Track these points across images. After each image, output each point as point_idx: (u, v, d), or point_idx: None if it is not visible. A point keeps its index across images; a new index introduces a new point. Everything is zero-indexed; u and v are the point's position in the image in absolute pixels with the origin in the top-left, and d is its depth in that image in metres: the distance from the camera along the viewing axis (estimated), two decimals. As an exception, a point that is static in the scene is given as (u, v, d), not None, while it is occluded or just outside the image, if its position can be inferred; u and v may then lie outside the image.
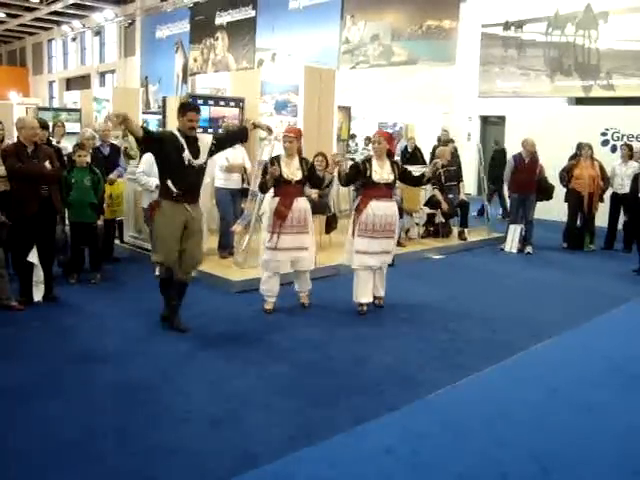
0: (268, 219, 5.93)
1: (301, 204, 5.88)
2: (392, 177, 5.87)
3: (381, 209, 5.81)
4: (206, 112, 8.72)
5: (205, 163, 5.26)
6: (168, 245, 5.12)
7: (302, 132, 6.14)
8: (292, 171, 5.80)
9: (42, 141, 6.80)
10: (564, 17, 15.26)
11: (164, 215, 5.10)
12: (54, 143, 8.18)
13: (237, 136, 5.83)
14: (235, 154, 7.60)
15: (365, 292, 5.98)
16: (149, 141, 5.02)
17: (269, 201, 6.10)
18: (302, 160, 5.92)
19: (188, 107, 5.21)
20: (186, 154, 5.03)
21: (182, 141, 5.04)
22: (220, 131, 8.12)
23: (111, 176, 7.43)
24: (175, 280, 5.28)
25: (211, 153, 5.32)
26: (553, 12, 15.42)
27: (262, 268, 6.02)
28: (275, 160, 5.83)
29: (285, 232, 5.78)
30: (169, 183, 5.05)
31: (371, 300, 6.06)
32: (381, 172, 5.82)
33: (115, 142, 8.26)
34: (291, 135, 5.84)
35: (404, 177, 6.13)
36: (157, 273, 7.14)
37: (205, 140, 5.32)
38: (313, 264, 6.20)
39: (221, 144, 5.51)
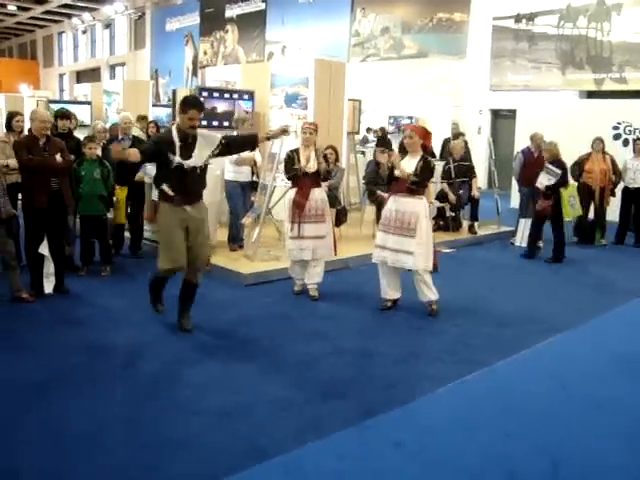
0: (288, 209, 6.11)
1: (317, 194, 6.08)
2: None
3: (399, 204, 5.62)
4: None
5: (204, 163, 4.95)
6: (174, 250, 4.93)
7: (318, 126, 6.29)
8: (309, 163, 5.99)
9: (64, 131, 6.91)
10: (576, 9, 15.14)
11: (164, 219, 4.98)
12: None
13: (247, 144, 5.56)
14: None
15: (387, 288, 5.86)
16: (147, 160, 5.22)
17: (287, 192, 6.31)
18: (317, 152, 6.10)
19: (190, 104, 4.81)
20: (176, 157, 4.77)
21: (176, 142, 4.77)
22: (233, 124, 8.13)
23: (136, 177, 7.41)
24: (184, 281, 5.15)
25: (217, 153, 5.03)
26: (565, 4, 15.30)
27: (288, 257, 6.29)
28: (294, 152, 6.06)
29: (305, 221, 6.00)
30: (164, 187, 4.88)
31: (396, 297, 5.92)
32: (407, 167, 5.61)
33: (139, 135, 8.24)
34: (311, 127, 6.09)
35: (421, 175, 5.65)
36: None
37: (210, 138, 5.02)
38: (333, 253, 6.33)
39: (229, 148, 5.19)
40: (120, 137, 7.60)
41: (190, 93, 8.53)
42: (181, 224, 4.91)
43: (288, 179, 6.19)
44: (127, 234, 7.88)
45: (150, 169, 7.03)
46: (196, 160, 4.87)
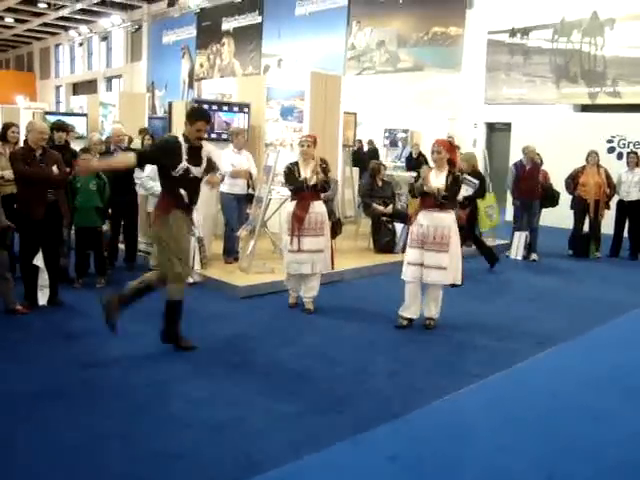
0: (286, 223, 6.08)
1: (317, 207, 6.05)
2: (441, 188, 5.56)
3: (431, 220, 5.56)
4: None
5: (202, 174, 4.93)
6: (186, 257, 4.93)
7: (317, 139, 6.26)
8: (309, 175, 5.97)
9: (60, 143, 6.93)
10: (570, 24, 15.24)
11: (179, 226, 4.79)
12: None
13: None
14: (241, 160, 7.61)
15: (408, 306, 5.74)
16: (145, 162, 5.09)
17: (286, 205, 6.29)
18: (316, 165, 6.06)
19: (198, 115, 4.84)
20: (185, 164, 4.72)
21: (184, 150, 4.72)
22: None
23: None
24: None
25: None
26: (559, 19, 15.41)
27: (285, 270, 6.23)
28: (294, 165, 6.04)
29: (304, 234, 5.95)
30: (182, 192, 4.76)
31: (414, 317, 5.78)
32: (435, 182, 5.61)
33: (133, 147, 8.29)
34: (309, 140, 6.07)
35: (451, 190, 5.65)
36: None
37: (207, 149, 5.00)
38: (330, 266, 6.33)
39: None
40: (112, 148, 7.59)
41: (187, 105, 8.57)
42: (187, 232, 4.95)
43: (292, 192, 6.15)
44: (122, 246, 7.87)
45: (145, 181, 7.03)
46: (202, 169, 4.89)
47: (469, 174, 8.30)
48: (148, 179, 6.95)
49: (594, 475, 3.35)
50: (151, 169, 6.95)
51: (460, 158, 8.66)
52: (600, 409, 4.18)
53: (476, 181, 8.23)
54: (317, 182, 6.00)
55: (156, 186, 6.81)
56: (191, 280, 7.08)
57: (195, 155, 4.81)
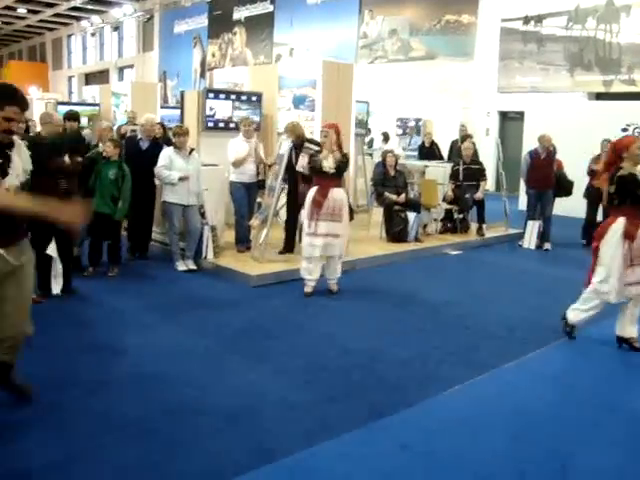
0: (307, 207, 6.23)
1: (336, 194, 6.20)
2: None
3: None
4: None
5: (25, 180, 3.53)
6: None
7: (339, 127, 6.42)
8: (329, 163, 6.17)
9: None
10: (585, 11, 15.09)
11: None
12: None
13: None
14: (244, 148, 7.56)
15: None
16: None
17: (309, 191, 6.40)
18: (335, 152, 6.22)
19: (8, 97, 3.25)
20: None
21: None
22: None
23: None
24: None
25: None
26: (574, 6, 15.25)
27: (303, 254, 6.36)
28: (317, 153, 6.29)
29: (321, 219, 6.13)
30: None
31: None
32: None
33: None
34: (326, 129, 6.32)
35: None
36: (181, 268, 7.13)
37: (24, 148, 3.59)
38: (343, 251, 6.51)
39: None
40: (139, 137, 7.60)
41: (199, 95, 8.53)
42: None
43: (311, 171, 6.38)
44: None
45: (160, 170, 6.99)
46: (12, 178, 3.41)
47: (305, 142, 7.36)
48: (163, 168, 6.94)
49: (609, 466, 3.34)
50: (165, 159, 6.95)
51: (285, 130, 7.89)
52: (616, 400, 4.15)
53: (317, 148, 7.13)
54: (335, 162, 6.14)
55: (171, 175, 6.85)
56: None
57: (3, 159, 3.33)
